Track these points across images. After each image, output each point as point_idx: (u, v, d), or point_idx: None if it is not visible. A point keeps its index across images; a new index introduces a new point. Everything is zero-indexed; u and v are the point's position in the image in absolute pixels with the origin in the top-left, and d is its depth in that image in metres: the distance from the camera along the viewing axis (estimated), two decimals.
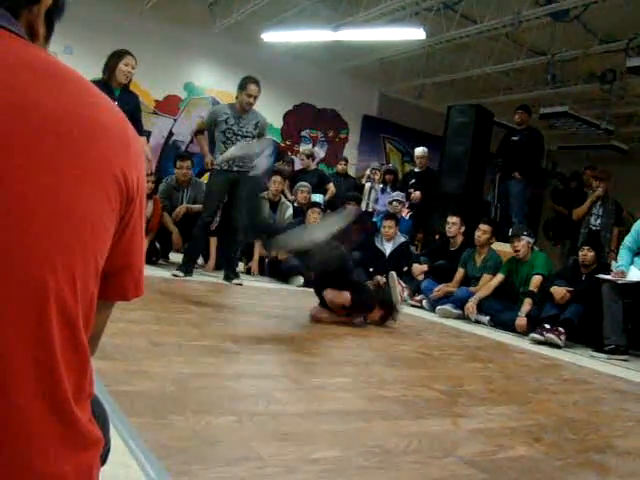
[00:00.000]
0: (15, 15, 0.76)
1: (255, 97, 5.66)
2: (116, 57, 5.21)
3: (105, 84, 5.08)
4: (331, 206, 8.01)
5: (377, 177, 9.14)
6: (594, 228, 7.53)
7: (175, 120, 10.16)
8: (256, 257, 6.91)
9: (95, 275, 0.75)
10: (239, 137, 5.62)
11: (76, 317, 0.71)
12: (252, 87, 5.63)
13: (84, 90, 0.76)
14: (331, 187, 8.65)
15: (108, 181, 0.74)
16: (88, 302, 0.74)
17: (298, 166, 9.44)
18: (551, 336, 4.88)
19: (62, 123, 0.70)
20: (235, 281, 5.69)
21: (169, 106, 10.03)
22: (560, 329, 4.92)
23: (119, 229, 0.79)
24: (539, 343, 4.93)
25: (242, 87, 5.66)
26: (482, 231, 6.18)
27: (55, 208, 0.69)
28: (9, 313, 0.65)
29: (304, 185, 7.77)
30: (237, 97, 5.75)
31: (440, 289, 6.19)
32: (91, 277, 0.74)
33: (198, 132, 5.81)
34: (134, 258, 0.86)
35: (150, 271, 5.45)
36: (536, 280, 5.51)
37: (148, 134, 9.40)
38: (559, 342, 4.85)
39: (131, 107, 5.23)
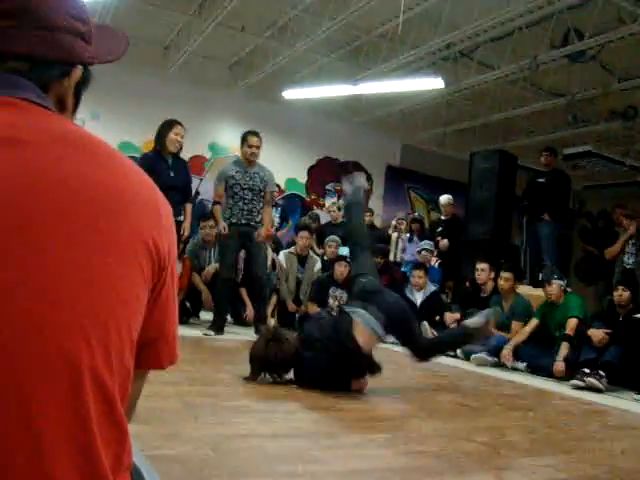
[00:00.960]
0: (45, 88, 0.78)
1: (257, 147, 5.77)
2: (167, 127, 5.44)
3: (158, 154, 5.28)
4: None
5: (403, 227, 9.14)
6: (628, 267, 7.41)
7: (201, 180, 10.32)
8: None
9: (130, 347, 0.75)
10: (246, 191, 5.72)
11: (112, 391, 0.71)
12: (252, 138, 5.77)
13: (114, 161, 0.77)
14: None
15: (140, 251, 0.74)
16: (124, 375, 0.74)
17: (324, 220, 9.48)
18: (592, 380, 4.74)
19: (93, 195, 0.71)
20: None
21: (195, 166, 10.18)
22: (601, 372, 4.79)
23: (152, 298, 0.78)
24: (580, 389, 4.80)
25: (243, 140, 5.81)
26: (504, 279, 6.11)
27: (86, 281, 0.69)
28: (43, 390, 0.65)
29: (333, 240, 7.78)
30: (241, 153, 5.87)
31: None
32: (126, 349, 0.73)
33: (216, 203, 5.89)
34: (168, 327, 0.86)
35: (181, 330, 5.40)
36: (572, 323, 5.40)
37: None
38: (600, 386, 4.71)
39: (184, 173, 5.44)
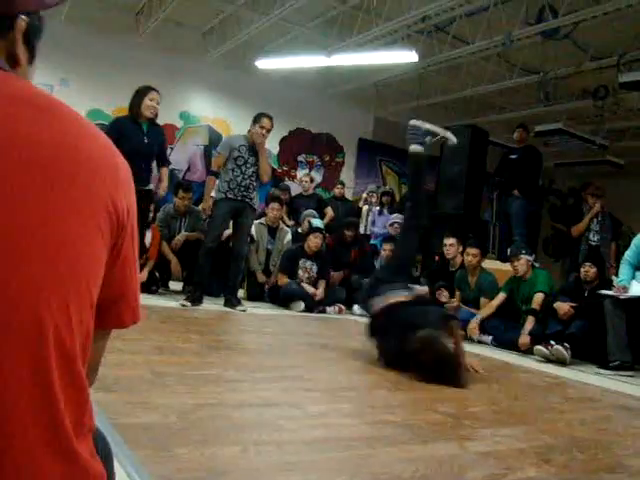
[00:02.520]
0: None
1: (268, 130, 5.84)
2: (141, 93, 5.40)
3: (133, 119, 5.22)
4: (329, 230, 8.02)
5: (374, 200, 9.17)
6: (593, 244, 7.54)
7: (172, 149, 10.18)
8: None
9: (90, 307, 0.74)
10: (248, 165, 5.72)
11: (73, 351, 0.71)
12: (265, 120, 5.84)
13: (70, 120, 0.76)
14: (329, 211, 8.67)
15: (98, 210, 0.73)
16: (84, 335, 0.74)
17: (295, 192, 9.45)
18: (558, 348, 4.85)
19: (49, 155, 0.70)
20: (239, 308, 5.69)
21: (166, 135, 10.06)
22: (565, 344, 4.89)
23: (111, 258, 0.78)
24: (545, 359, 4.91)
25: (256, 120, 5.84)
26: (471, 255, 6.17)
27: (43, 241, 0.68)
28: (5, 351, 0.65)
29: (310, 214, 7.80)
30: (250, 130, 5.88)
31: (453, 304, 6.17)
32: (86, 309, 0.73)
33: (212, 172, 5.87)
34: (129, 286, 0.85)
35: (150, 300, 5.44)
36: (538, 298, 5.50)
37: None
38: (565, 354, 4.82)
39: (160, 140, 5.40)
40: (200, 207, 6.07)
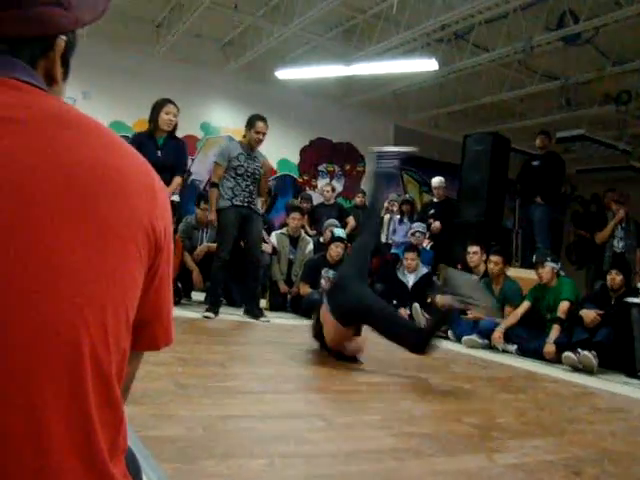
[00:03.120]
0: (32, 65, 0.77)
1: (264, 134, 5.73)
2: (158, 107, 5.42)
3: (149, 134, 5.27)
4: (350, 239, 8.00)
5: (395, 209, 9.14)
6: (618, 251, 7.44)
7: (193, 160, 10.25)
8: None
9: (127, 329, 0.74)
10: (248, 174, 5.70)
11: (110, 373, 0.70)
12: (260, 124, 5.71)
13: (108, 141, 0.76)
14: (351, 220, 8.64)
15: (136, 232, 0.73)
16: (121, 356, 0.74)
17: (316, 201, 9.46)
18: (586, 354, 4.79)
19: (90, 175, 0.70)
20: (262, 319, 5.68)
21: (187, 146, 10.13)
22: (593, 352, 4.83)
23: (147, 280, 0.78)
24: (572, 368, 4.86)
25: (250, 125, 5.74)
26: (494, 263, 6.12)
27: (83, 262, 0.68)
28: (43, 373, 0.64)
29: (332, 224, 7.79)
30: (245, 135, 5.82)
31: (471, 314, 6.12)
32: (122, 330, 0.73)
33: (214, 185, 5.81)
34: (163, 308, 0.85)
35: (173, 311, 5.44)
36: (563, 306, 5.44)
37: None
38: (593, 361, 4.75)
39: (176, 152, 5.38)
40: (207, 216, 5.98)
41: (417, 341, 3.67)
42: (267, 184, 6.09)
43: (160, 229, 0.77)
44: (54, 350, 0.65)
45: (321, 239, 7.77)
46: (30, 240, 0.64)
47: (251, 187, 5.72)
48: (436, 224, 8.45)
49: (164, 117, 5.35)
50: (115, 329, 0.71)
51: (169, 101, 5.44)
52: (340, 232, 7.31)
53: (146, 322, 0.82)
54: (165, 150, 5.39)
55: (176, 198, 5.60)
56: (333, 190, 9.19)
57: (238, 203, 5.65)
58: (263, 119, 5.75)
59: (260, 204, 5.93)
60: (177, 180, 5.52)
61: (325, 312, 3.95)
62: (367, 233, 4.84)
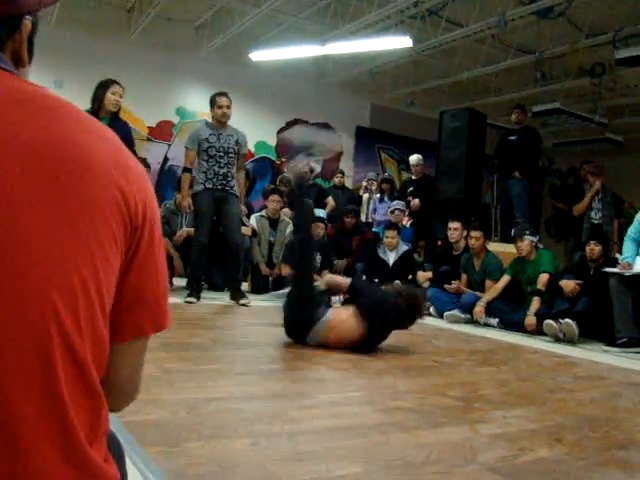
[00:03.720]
0: (0, 48, 0.75)
1: (227, 106, 5.66)
2: (103, 87, 5.24)
3: (94, 115, 5.09)
4: (331, 219, 8.01)
5: (374, 187, 9.15)
6: (595, 222, 7.51)
7: (169, 145, 10.17)
8: None
9: (102, 312, 0.72)
10: (222, 154, 5.62)
11: (84, 357, 0.69)
12: (221, 99, 5.67)
13: (76, 119, 0.74)
14: (330, 201, 8.65)
15: (108, 212, 0.71)
16: (97, 341, 0.72)
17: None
18: (567, 321, 4.87)
19: (54, 155, 0.68)
20: (242, 301, 5.66)
21: (162, 132, 10.05)
22: (574, 321, 4.91)
23: (125, 261, 0.75)
24: (554, 338, 4.94)
25: (212, 103, 5.70)
26: (474, 238, 6.16)
27: (49, 243, 0.66)
28: (9, 359, 0.63)
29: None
30: (212, 115, 5.77)
31: (454, 285, 6.17)
32: (97, 314, 0.71)
33: (186, 170, 5.75)
34: (147, 293, 0.81)
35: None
36: (543, 278, 5.49)
37: (144, 161, 9.42)
38: (575, 329, 4.83)
39: (121, 135, 5.24)
40: (178, 201, 5.89)
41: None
42: (244, 160, 5.98)
43: (135, 206, 0.75)
44: (20, 337, 0.64)
45: None
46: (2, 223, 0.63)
47: (226, 168, 5.64)
48: (415, 202, 8.47)
49: (110, 97, 5.17)
50: (88, 312, 0.69)
51: (115, 81, 5.30)
52: (320, 212, 7.30)
53: (127, 306, 0.78)
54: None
55: None
56: (311, 171, 9.16)
57: (210, 186, 5.59)
58: (223, 94, 5.71)
59: (239, 185, 5.83)
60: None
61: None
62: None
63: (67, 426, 0.67)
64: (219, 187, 5.61)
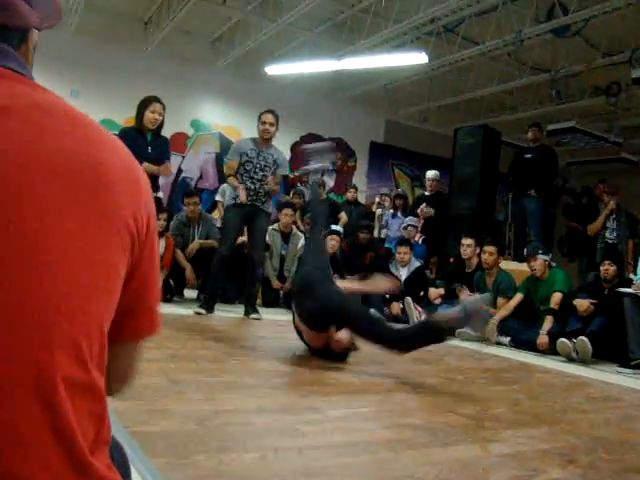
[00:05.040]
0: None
1: (270, 124, 5.63)
2: (143, 105, 5.44)
3: (138, 130, 5.27)
4: (343, 235, 8.01)
5: (387, 203, 9.13)
6: (610, 242, 7.46)
7: (183, 157, 10.22)
8: None
9: (109, 317, 0.74)
10: (257, 170, 5.60)
11: (89, 360, 0.70)
12: (266, 116, 5.65)
13: (94, 133, 0.76)
14: (343, 216, 8.63)
15: (119, 226, 0.74)
16: (102, 345, 0.73)
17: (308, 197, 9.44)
18: (582, 338, 4.84)
19: (72, 168, 0.70)
20: (253, 316, 5.64)
21: (177, 143, 10.07)
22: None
23: (129, 270, 0.78)
24: (566, 357, 4.89)
25: (259, 119, 5.70)
26: (488, 253, 6.13)
27: (67, 250, 0.68)
28: (10, 371, 0.64)
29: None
30: (258, 132, 5.75)
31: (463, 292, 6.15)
32: (106, 320, 0.74)
33: (229, 176, 5.74)
34: (147, 299, 0.85)
35: (165, 308, 5.43)
36: (556, 297, 5.45)
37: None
38: (588, 346, 4.79)
39: (161, 150, 5.39)
40: (239, 191, 5.74)
41: (401, 343, 3.49)
42: (280, 179, 5.92)
43: (143, 222, 0.78)
44: (26, 333, 0.65)
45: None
46: (9, 231, 0.64)
47: (258, 184, 5.59)
48: (429, 209, 8.41)
49: (149, 115, 5.33)
50: (99, 319, 0.72)
51: (155, 99, 5.41)
52: (336, 227, 7.31)
53: (127, 312, 0.81)
54: (154, 146, 5.39)
55: (160, 195, 5.58)
56: (322, 186, 9.17)
57: (239, 203, 5.59)
58: (270, 111, 5.69)
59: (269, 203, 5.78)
60: (166, 163, 5.57)
61: (296, 320, 3.89)
62: (315, 231, 4.80)
63: (69, 434, 0.67)
64: (249, 203, 5.59)
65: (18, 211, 0.65)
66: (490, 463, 1.96)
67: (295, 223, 7.63)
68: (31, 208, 0.65)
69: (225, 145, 10.05)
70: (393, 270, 7.18)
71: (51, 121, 0.71)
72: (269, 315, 5.97)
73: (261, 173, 5.62)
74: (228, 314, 5.80)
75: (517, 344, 5.57)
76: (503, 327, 5.69)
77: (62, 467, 0.66)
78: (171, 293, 6.38)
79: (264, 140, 5.68)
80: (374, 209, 9.43)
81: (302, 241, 7.28)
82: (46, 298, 0.66)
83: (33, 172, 0.66)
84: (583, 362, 4.84)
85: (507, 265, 6.74)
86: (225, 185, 5.96)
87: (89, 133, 0.75)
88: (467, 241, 6.59)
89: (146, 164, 5.08)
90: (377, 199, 9.49)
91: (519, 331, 5.62)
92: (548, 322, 5.35)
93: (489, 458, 2.02)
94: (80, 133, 0.74)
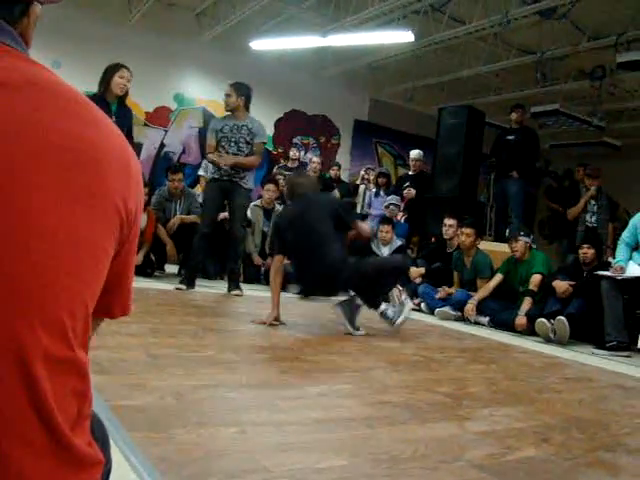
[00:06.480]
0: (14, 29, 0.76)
1: (227, 95, 5.59)
2: (111, 70, 5.23)
3: (101, 98, 5.09)
4: None
5: (371, 177, 9.12)
6: (590, 225, 7.53)
7: (166, 131, 10.12)
8: None
9: (94, 297, 0.75)
10: (232, 143, 5.55)
11: (72, 338, 0.70)
12: (225, 88, 5.65)
13: (86, 111, 0.75)
14: (336, 194, 8.53)
15: (109, 210, 0.73)
16: (86, 319, 0.73)
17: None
18: (560, 318, 4.90)
19: (66, 145, 0.69)
20: (234, 292, 5.64)
21: (159, 118, 10.00)
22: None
23: (115, 252, 0.78)
24: (544, 337, 4.96)
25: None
26: (465, 234, 6.15)
27: (57, 226, 0.68)
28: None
29: None
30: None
31: (443, 290, 6.19)
32: (91, 299, 0.74)
33: (209, 154, 5.68)
34: (125, 279, 0.86)
35: (146, 283, 5.42)
36: (535, 279, 5.50)
37: (139, 146, 9.38)
38: (566, 326, 4.85)
39: (127, 122, 5.26)
40: (222, 163, 5.69)
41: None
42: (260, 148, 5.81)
43: (132, 209, 0.77)
44: (18, 309, 0.65)
45: None
46: (3, 200, 0.64)
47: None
48: (411, 191, 8.43)
49: (118, 80, 5.15)
50: (82, 295, 0.71)
51: (124, 66, 5.28)
52: None
53: (106, 290, 0.80)
54: (119, 116, 5.23)
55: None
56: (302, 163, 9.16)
57: (218, 176, 5.56)
58: (230, 84, 5.66)
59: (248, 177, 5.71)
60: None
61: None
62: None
63: (47, 410, 0.67)
64: (225, 178, 5.56)
65: (7, 185, 0.64)
66: (466, 440, 1.98)
67: (278, 199, 7.60)
68: (20, 183, 0.65)
69: (209, 120, 9.94)
70: (374, 248, 7.20)
71: (46, 98, 0.70)
72: (250, 292, 5.97)
73: (235, 146, 5.57)
74: (209, 290, 5.79)
75: (496, 324, 5.63)
76: (482, 307, 5.74)
77: (43, 444, 0.66)
78: (152, 268, 6.36)
79: (233, 113, 5.63)
80: (358, 183, 9.41)
81: None
82: (29, 274, 0.65)
83: (25, 147, 0.66)
84: (560, 343, 4.91)
85: (487, 246, 6.78)
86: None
87: (83, 112, 0.74)
88: (449, 221, 6.62)
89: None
90: (362, 172, 9.47)
91: (498, 311, 5.67)
92: (527, 303, 5.40)
93: (465, 435, 2.04)
94: (74, 111, 0.73)
